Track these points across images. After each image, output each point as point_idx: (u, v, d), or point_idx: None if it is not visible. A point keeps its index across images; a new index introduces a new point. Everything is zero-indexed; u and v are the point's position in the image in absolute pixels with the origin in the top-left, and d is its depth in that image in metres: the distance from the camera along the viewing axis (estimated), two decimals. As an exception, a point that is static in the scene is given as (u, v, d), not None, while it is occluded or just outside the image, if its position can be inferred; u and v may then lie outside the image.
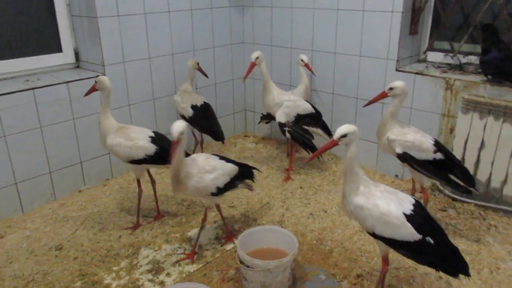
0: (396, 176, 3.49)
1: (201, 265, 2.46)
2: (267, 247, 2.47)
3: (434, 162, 2.51)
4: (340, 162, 3.75)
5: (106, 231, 2.81)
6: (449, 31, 3.28)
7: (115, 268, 2.44)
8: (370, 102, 2.68)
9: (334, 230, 2.79)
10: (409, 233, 1.89)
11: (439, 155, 2.50)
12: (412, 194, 2.73)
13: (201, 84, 3.94)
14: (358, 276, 2.37)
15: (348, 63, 3.54)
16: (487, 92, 2.87)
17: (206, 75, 3.72)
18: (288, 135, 3.32)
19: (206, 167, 2.36)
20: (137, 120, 3.48)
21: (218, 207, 2.66)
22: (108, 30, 3.20)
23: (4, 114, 2.82)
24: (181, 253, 2.56)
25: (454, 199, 3.14)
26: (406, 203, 1.95)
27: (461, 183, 2.55)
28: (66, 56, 3.39)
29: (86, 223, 2.89)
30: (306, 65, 3.53)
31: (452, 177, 2.55)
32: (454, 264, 1.95)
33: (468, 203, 3.07)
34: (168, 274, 2.38)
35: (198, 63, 3.59)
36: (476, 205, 3.04)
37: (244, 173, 2.62)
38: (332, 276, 2.37)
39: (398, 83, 2.49)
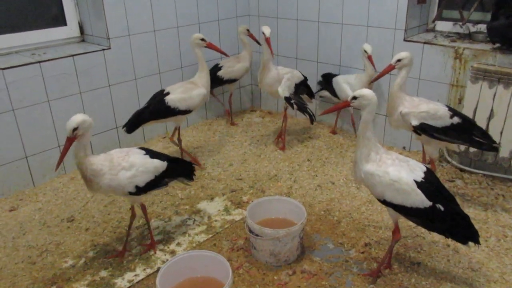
0: (404, 148, 3.48)
1: (210, 236, 2.49)
2: (276, 217, 2.49)
3: (453, 127, 2.47)
4: (347, 136, 3.74)
5: (116, 203, 2.85)
6: (459, -1, 3.21)
7: (126, 239, 2.49)
8: (378, 77, 2.65)
9: (342, 201, 2.80)
10: (420, 200, 1.89)
11: (456, 119, 2.48)
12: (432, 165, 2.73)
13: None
14: (365, 245, 2.40)
15: (355, 34, 3.49)
16: (496, 60, 2.83)
17: (258, 42, 3.77)
18: (295, 106, 3.29)
19: (123, 164, 2.12)
20: (143, 96, 3.48)
21: (143, 209, 2.35)
22: (112, 2, 3.17)
23: (12, 88, 2.82)
24: (192, 224, 2.60)
25: (462, 170, 3.14)
26: (418, 171, 1.95)
27: (484, 141, 2.51)
28: (70, 30, 3.37)
29: (96, 196, 2.93)
30: (369, 57, 3.21)
31: (475, 138, 2.51)
32: (464, 231, 1.96)
33: (476, 173, 3.07)
34: (178, 244, 2.42)
35: (248, 29, 3.69)
36: (484, 175, 3.04)
37: (178, 170, 2.37)
38: (340, 245, 2.40)
39: (404, 54, 2.46)
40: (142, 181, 2.17)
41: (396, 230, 2.09)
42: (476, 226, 2.46)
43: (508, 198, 2.80)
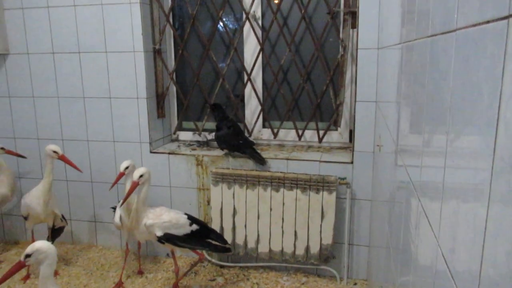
0: (167, 255, 3.49)
1: None
2: None
3: (193, 234, 2.66)
4: (109, 253, 3.53)
5: None
6: (193, 112, 3.61)
7: None
8: (126, 197, 2.61)
9: (104, 333, 2.54)
10: None
11: (195, 226, 2.68)
12: (176, 272, 2.77)
13: None
14: None
15: (103, 150, 3.47)
16: (229, 163, 3.22)
17: (23, 156, 3.37)
18: None
19: None
20: None
21: None
22: None
23: None
24: None
25: (222, 266, 3.32)
26: None
27: (218, 244, 2.76)
28: None
29: None
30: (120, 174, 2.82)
31: (210, 241, 2.74)
32: None
33: (233, 267, 3.30)
34: None
35: (3, 148, 3.22)
36: (240, 267, 3.29)
37: None
38: None
39: (143, 169, 2.56)
40: None
41: None
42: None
43: (262, 285, 3.08)
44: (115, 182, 2.83)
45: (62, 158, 3.00)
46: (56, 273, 3.18)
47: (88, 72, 3.39)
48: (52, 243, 3.19)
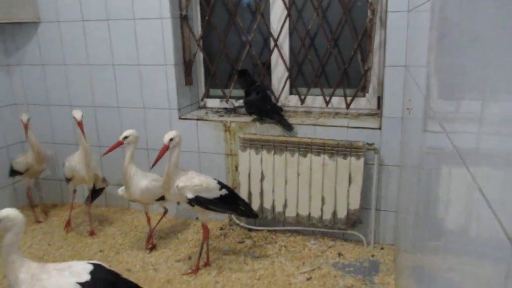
0: (197, 218, 3.61)
1: None
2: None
3: (222, 198, 2.74)
4: (142, 215, 3.68)
5: None
6: (220, 79, 3.63)
7: None
8: (156, 162, 2.65)
9: None
10: None
11: (224, 191, 2.75)
12: (205, 237, 2.85)
13: None
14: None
15: (133, 116, 3.55)
16: (257, 129, 3.26)
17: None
18: None
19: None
20: None
21: None
22: None
23: None
24: None
25: (250, 230, 3.42)
26: (83, 273, 1.89)
27: (246, 209, 2.86)
28: None
29: None
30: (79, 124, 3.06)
31: (240, 207, 2.83)
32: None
33: (261, 230, 3.39)
34: None
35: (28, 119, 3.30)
36: (268, 231, 3.38)
37: None
38: None
39: (173, 133, 2.61)
40: None
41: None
42: (266, 281, 2.72)
43: (289, 247, 3.17)
44: (110, 150, 2.86)
45: (79, 124, 3.06)
46: (92, 233, 3.36)
47: (116, 39, 3.43)
48: (91, 202, 3.39)
